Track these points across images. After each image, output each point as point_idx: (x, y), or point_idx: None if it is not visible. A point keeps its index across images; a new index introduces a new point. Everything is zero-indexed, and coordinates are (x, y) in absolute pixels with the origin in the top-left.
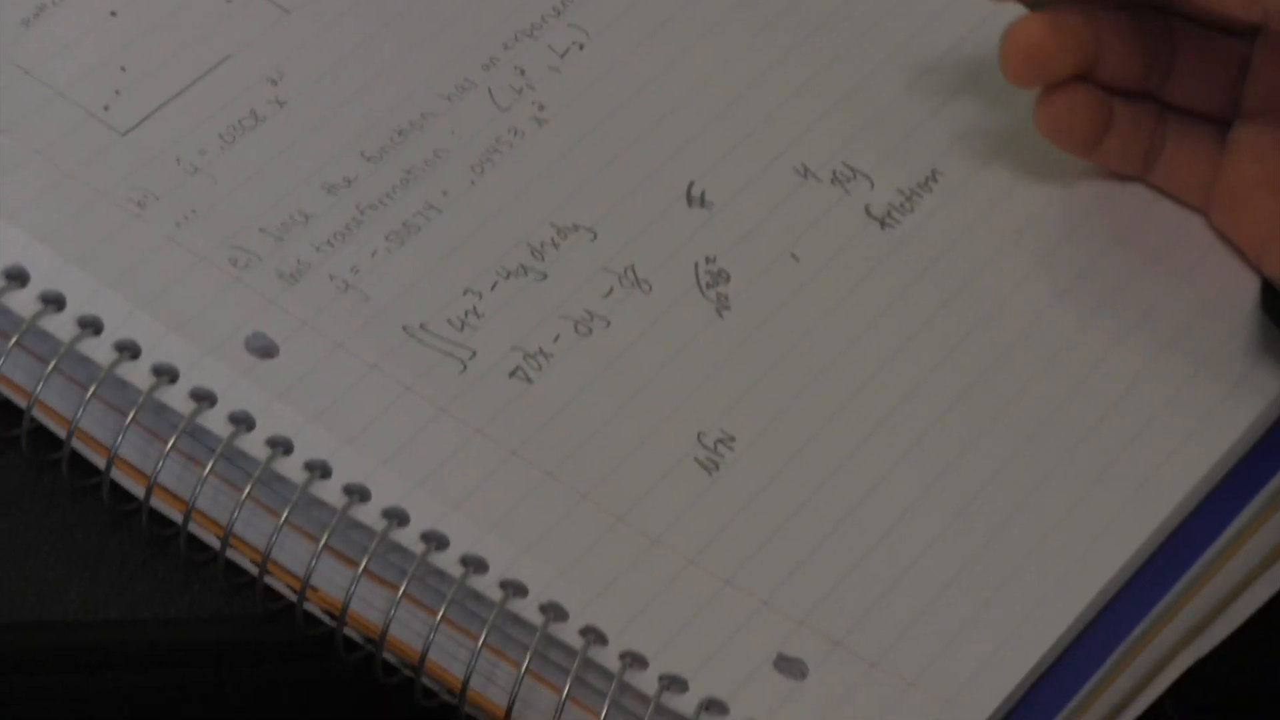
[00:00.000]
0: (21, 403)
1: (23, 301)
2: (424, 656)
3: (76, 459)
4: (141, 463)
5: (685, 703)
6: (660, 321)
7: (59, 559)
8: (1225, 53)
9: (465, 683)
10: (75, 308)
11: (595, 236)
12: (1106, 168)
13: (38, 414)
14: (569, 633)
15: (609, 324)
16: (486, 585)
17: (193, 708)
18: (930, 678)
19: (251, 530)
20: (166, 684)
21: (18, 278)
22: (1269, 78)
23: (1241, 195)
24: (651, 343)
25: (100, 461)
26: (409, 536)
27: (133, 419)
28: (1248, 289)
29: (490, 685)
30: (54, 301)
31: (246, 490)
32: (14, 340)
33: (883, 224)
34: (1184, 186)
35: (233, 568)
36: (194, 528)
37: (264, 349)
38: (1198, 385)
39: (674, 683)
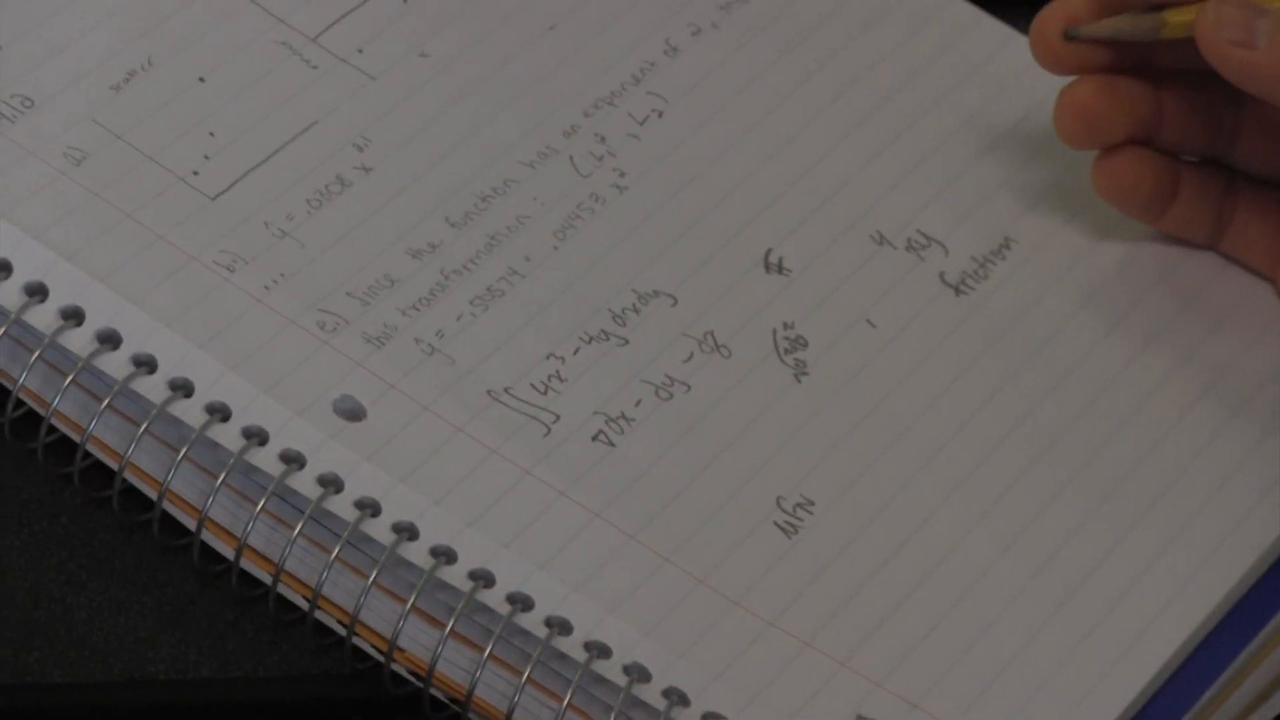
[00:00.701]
0: (113, 464)
1: (115, 364)
2: (509, 717)
3: (167, 519)
4: (231, 524)
5: None
6: (739, 387)
7: (150, 617)
8: None
9: None
10: (166, 370)
11: (675, 302)
12: (1176, 235)
13: (129, 475)
14: (652, 694)
15: (689, 389)
16: (571, 646)
17: None
18: None
19: (339, 591)
20: None
21: (110, 340)
22: None
23: None
24: (731, 408)
25: (191, 522)
26: (494, 598)
27: (223, 481)
28: None
29: None
30: (146, 364)
31: (335, 552)
32: (106, 402)
33: (957, 291)
34: (1254, 255)
35: (321, 627)
36: (282, 588)
37: (352, 412)
38: (1266, 451)
39: None
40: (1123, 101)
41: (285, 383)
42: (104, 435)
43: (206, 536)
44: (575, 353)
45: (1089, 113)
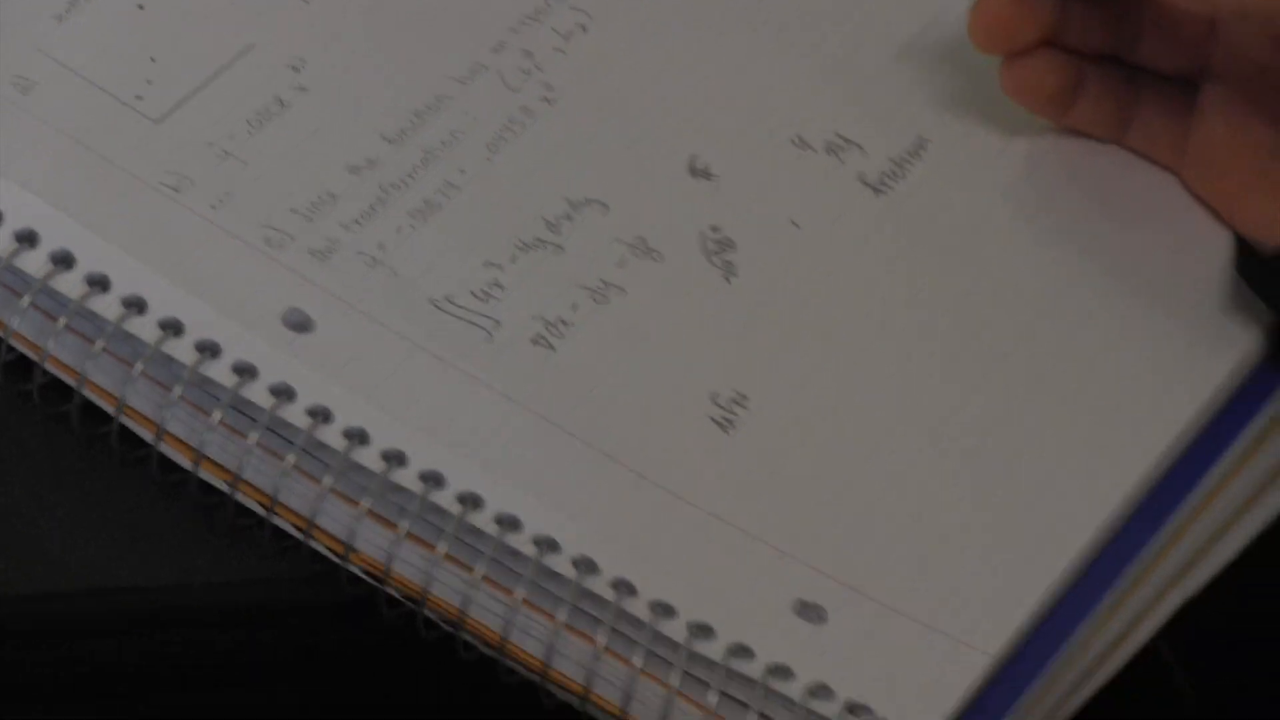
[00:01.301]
0: (71, 382)
1: (69, 284)
2: (463, 612)
3: (126, 433)
4: (188, 436)
5: (714, 649)
6: (671, 289)
7: (112, 529)
8: (1193, 16)
9: (504, 636)
10: (120, 289)
11: (607, 209)
12: (1082, 131)
13: (87, 392)
14: (601, 585)
15: (624, 292)
16: (521, 542)
17: (245, 666)
18: (943, 618)
19: (295, 497)
20: (219, 644)
21: (63, 261)
22: (1233, 41)
23: (1212, 156)
24: (664, 309)
25: (149, 436)
26: (445, 498)
27: (179, 395)
28: (1221, 245)
29: (527, 638)
30: (99, 283)
31: (290, 460)
32: (62, 322)
33: (876, 190)
34: (1158, 148)
35: (279, 533)
36: (240, 496)
37: (300, 324)
38: (1177, 339)
39: (702, 630)
40: (1031, 9)
41: (235, 297)
42: (60, 354)
43: (165, 448)
44: (513, 260)
45: (1000, 21)
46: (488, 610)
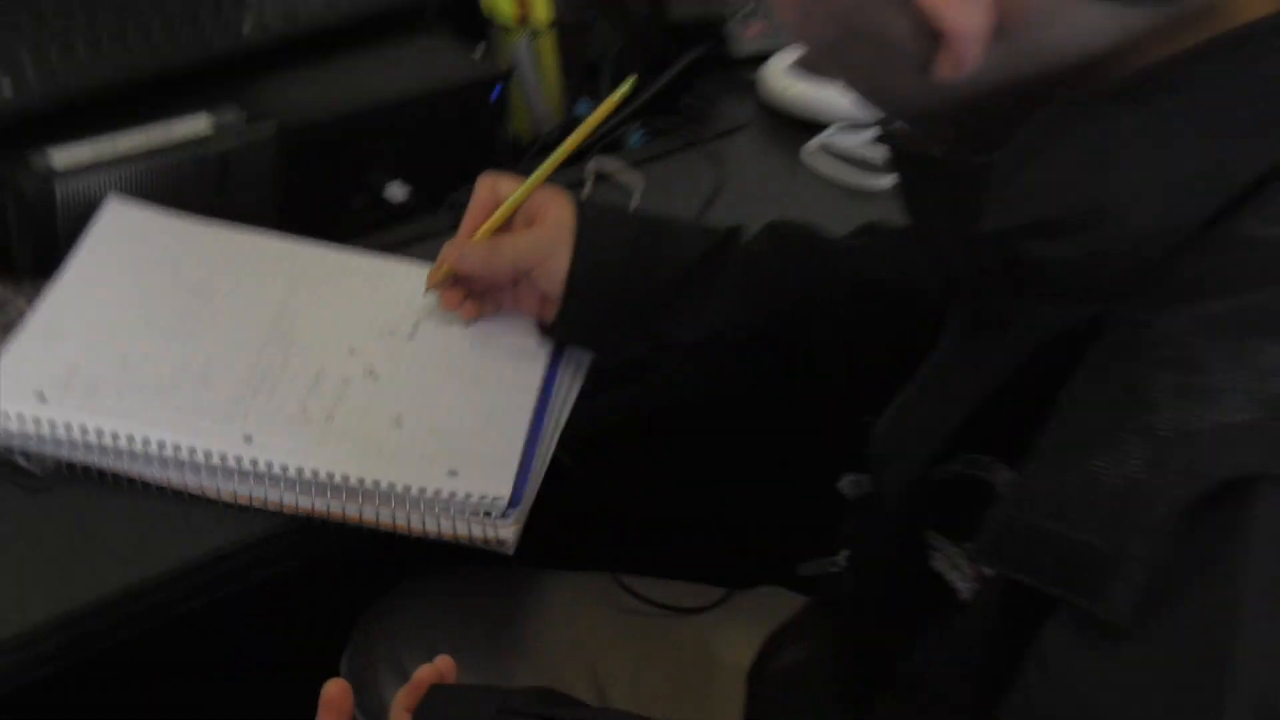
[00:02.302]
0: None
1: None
2: (327, 512)
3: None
4: (190, 485)
5: (430, 494)
6: (370, 386)
7: (165, 523)
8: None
9: (359, 518)
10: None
11: (340, 372)
12: (487, 313)
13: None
14: (382, 490)
15: (354, 385)
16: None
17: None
18: (479, 475)
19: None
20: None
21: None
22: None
23: (530, 307)
24: (374, 392)
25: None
26: (290, 470)
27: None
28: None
29: (363, 515)
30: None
31: (220, 477)
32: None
33: (410, 338)
34: (525, 309)
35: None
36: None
37: (249, 438)
38: (533, 354)
39: (421, 490)
40: (455, 294)
41: (209, 434)
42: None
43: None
44: (309, 391)
45: (448, 299)
46: (340, 508)
